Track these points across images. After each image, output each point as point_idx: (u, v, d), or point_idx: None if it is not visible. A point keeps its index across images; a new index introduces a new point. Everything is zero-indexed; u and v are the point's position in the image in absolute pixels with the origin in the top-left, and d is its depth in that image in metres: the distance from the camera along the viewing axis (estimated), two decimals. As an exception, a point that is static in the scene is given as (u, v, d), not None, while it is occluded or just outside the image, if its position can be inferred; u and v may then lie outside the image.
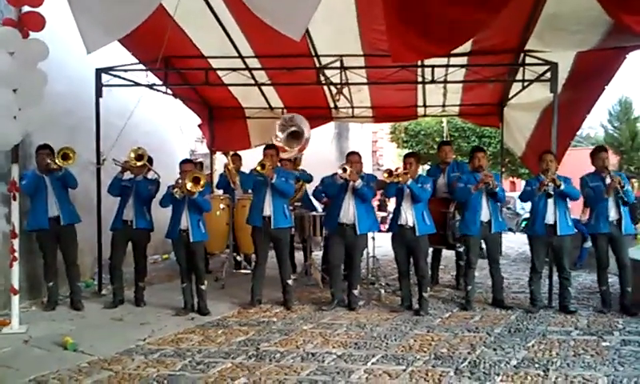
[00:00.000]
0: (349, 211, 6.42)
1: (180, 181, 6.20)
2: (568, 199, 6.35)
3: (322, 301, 6.74)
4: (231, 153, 8.74)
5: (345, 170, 6.24)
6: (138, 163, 6.48)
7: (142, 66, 7.94)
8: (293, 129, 8.71)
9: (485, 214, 6.44)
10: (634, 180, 10.16)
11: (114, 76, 7.74)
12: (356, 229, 6.39)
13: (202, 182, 6.10)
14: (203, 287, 6.40)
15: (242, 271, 8.57)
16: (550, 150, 6.54)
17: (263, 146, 6.87)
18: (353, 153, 6.75)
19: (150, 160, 6.73)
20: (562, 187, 6.16)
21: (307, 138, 8.50)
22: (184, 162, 6.61)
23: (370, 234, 7.49)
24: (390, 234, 6.66)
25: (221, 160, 10.41)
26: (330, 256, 6.64)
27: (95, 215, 7.23)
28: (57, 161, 6.15)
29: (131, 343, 5.20)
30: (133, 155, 6.46)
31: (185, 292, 6.41)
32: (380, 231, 7.51)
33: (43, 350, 5.06)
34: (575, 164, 8.88)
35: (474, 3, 5.21)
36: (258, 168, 6.37)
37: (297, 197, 8.17)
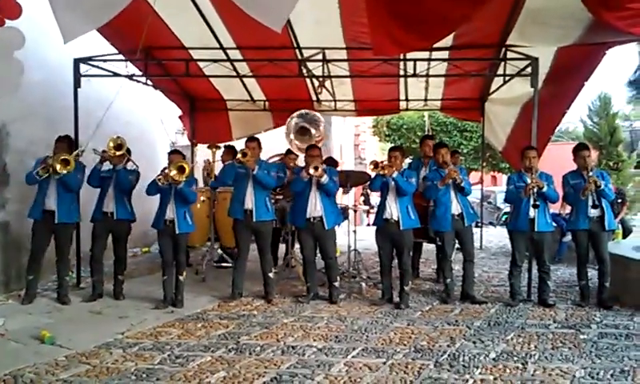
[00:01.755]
0: (316, 206, 6.43)
1: (166, 169, 6.17)
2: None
3: (302, 294, 6.73)
4: (222, 146, 8.62)
5: (316, 169, 6.25)
6: (117, 153, 6.40)
7: (121, 57, 7.82)
8: (306, 125, 8.65)
9: (455, 208, 6.50)
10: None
11: (93, 66, 7.61)
12: (324, 223, 6.41)
13: (186, 172, 6.09)
14: (182, 278, 6.36)
15: (223, 264, 8.52)
16: (532, 146, 6.58)
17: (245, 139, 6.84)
18: (313, 146, 6.77)
19: (129, 151, 6.65)
20: (545, 189, 6.23)
21: (317, 135, 8.42)
22: (172, 152, 6.60)
23: (351, 228, 7.51)
24: (373, 228, 6.67)
25: (202, 152, 10.31)
26: (304, 249, 6.63)
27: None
28: (56, 166, 6.07)
29: (110, 337, 5.15)
30: (112, 145, 6.37)
31: (166, 285, 6.36)
32: (368, 225, 7.52)
33: (20, 343, 4.98)
34: (555, 159, 8.95)
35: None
36: (240, 156, 6.35)
37: None
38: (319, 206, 6.43)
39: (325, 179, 6.34)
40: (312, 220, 6.44)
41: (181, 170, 6.07)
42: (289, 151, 8.49)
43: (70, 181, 6.26)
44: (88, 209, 6.75)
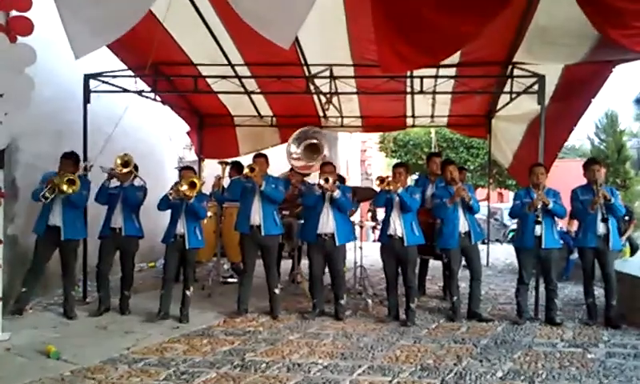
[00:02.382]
0: (328, 222, 6.43)
1: (177, 184, 6.26)
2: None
3: (308, 310, 6.71)
4: (229, 162, 8.63)
5: (327, 181, 6.25)
6: (125, 170, 6.46)
7: (130, 73, 7.89)
8: (310, 141, 8.70)
9: (463, 226, 6.49)
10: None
11: (103, 82, 7.68)
12: (335, 239, 6.40)
13: (197, 187, 6.17)
14: (188, 293, 6.38)
15: (229, 280, 8.53)
16: (540, 163, 6.58)
17: (253, 154, 6.88)
18: (328, 163, 6.79)
19: (136, 167, 6.69)
20: (550, 206, 6.22)
21: (325, 153, 8.46)
22: (184, 168, 6.65)
23: (357, 244, 7.50)
24: (378, 245, 6.67)
25: (210, 167, 10.33)
26: (313, 266, 6.61)
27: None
28: (63, 188, 6.11)
29: (115, 352, 5.14)
30: (119, 162, 6.44)
31: (162, 298, 6.38)
32: (374, 241, 7.51)
33: (26, 358, 4.98)
34: (563, 175, 8.95)
35: (464, 14, 5.25)
36: (247, 171, 6.39)
37: (298, 211, 8.04)
38: (331, 221, 6.43)
39: (337, 194, 6.34)
40: (323, 236, 6.44)
41: (192, 185, 6.16)
42: (291, 169, 8.49)
43: (76, 199, 6.29)
44: (94, 224, 6.78)
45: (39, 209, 6.39)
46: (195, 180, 6.23)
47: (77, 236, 6.49)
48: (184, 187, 6.12)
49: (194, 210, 6.28)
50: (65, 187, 6.11)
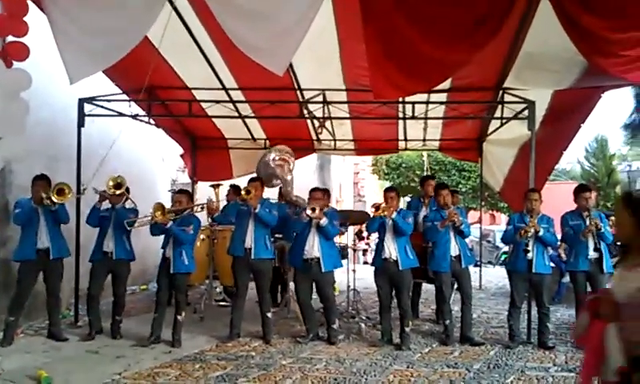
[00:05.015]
0: (313, 247, 6.46)
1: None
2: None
3: (301, 335, 6.68)
4: (224, 184, 8.64)
5: (314, 210, 6.29)
6: (117, 192, 6.43)
7: (125, 96, 7.92)
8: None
9: (454, 249, 6.55)
10: (612, 218, 10.31)
11: (97, 106, 7.70)
12: (321, 265, 6.42)
13: (166, 214, 6.20)
14: (180, 318, 6.35)
15: (222, 303, 8.50)
16: (535, 189, 6.64)
17: (249, 178, 6.92)
18: (316, 189, 6.83)
19: (127, 189, 6.66)
20: (541, 234, 6.28)
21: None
22: (178, 192, 6.70)
23: (350, 267, 7.51)
24: (370, 267, 6.69)
25: (203, 190, 10.33)
26: (299, 292, 6.61)
27: (74, 245, 7.11)
28: (52, 197, 6.07)
29: (107, 377, 5.11)
30: (111, 184, 6.41)
31: (154, 322, 6.36)
32: (366, 263, 7.53)
33: (16, 383, 4.93)
34: (554, 198, 9.02)
35: (454, 43, 5.33)
36: (243, 193, 6.42)
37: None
38: (317, 247, 6.45)
39: (324, 222, 6.37)
40: (309, 261, 6.46)
41: (162, 210, 6.21)
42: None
43: (61, 214, 6.28)
44: (87, 247, 6.76)
45: (17, 234, 6.33)
46: (163, 204, 6.31)
47: (64, 254, 6.45)
48: (157, 213, 6.17)
49: (175, 236, 6.27)
50: (55, 198, 6.07)
